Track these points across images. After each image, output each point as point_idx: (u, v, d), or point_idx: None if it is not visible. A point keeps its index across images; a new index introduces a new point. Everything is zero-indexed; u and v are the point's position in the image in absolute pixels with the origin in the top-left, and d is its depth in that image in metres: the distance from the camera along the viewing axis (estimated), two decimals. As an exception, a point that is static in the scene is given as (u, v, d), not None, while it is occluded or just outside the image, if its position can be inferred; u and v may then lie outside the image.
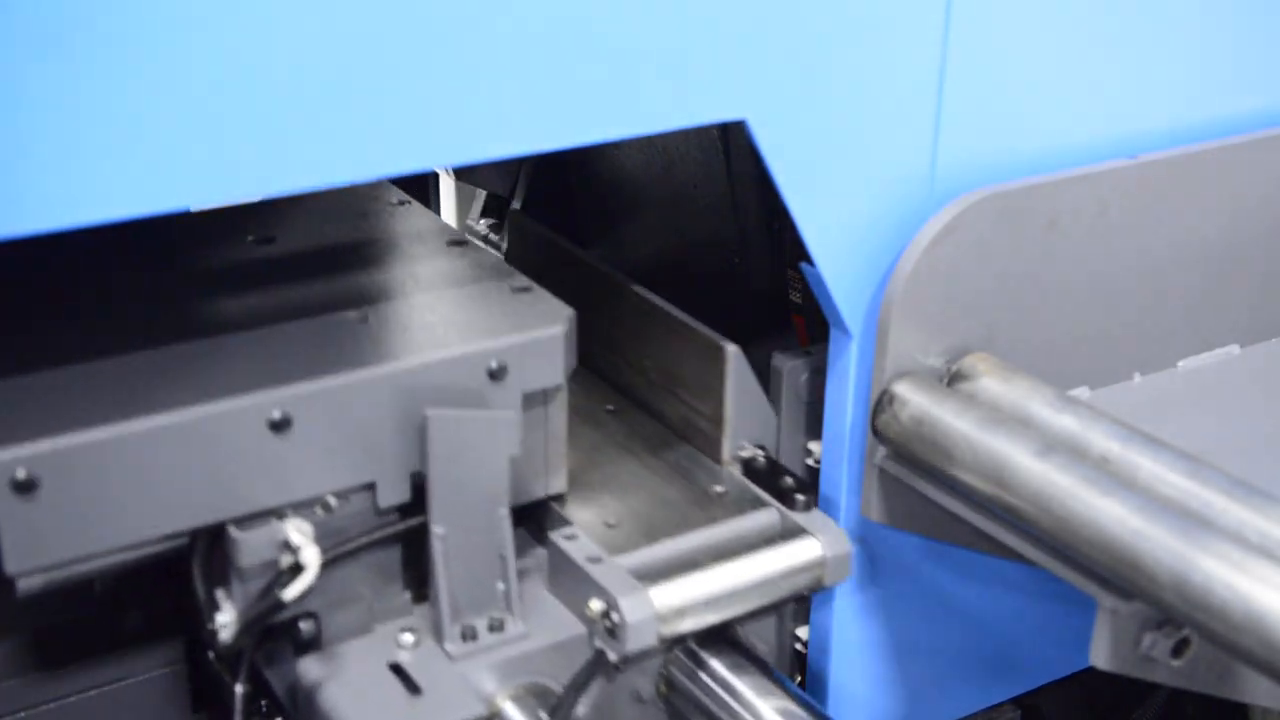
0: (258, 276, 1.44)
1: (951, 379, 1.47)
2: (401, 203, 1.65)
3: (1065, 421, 1.38)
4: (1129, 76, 1.58)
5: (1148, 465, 1.32)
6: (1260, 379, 1.67)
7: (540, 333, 1.34)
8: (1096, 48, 1.54)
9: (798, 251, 1.46)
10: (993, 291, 1.47)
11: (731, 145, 1.71)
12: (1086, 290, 1.55)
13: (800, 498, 1.48)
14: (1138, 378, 1.63)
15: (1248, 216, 1.66)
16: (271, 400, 1.21)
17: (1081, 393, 1.58)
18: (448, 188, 2.70)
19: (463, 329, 1.34)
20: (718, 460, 1.56)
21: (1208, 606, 1.14)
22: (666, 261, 1.95)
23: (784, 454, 1.58)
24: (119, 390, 1.21)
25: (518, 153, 1.25)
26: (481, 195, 2.28)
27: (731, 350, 1.51)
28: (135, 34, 1.02)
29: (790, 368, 1.56)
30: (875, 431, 1.46)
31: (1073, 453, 1.32)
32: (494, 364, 1.31)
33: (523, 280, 1.44)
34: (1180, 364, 1.66)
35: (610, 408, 1.70)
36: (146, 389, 1.21)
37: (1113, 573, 1.23)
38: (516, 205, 2.15)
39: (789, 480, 1.49)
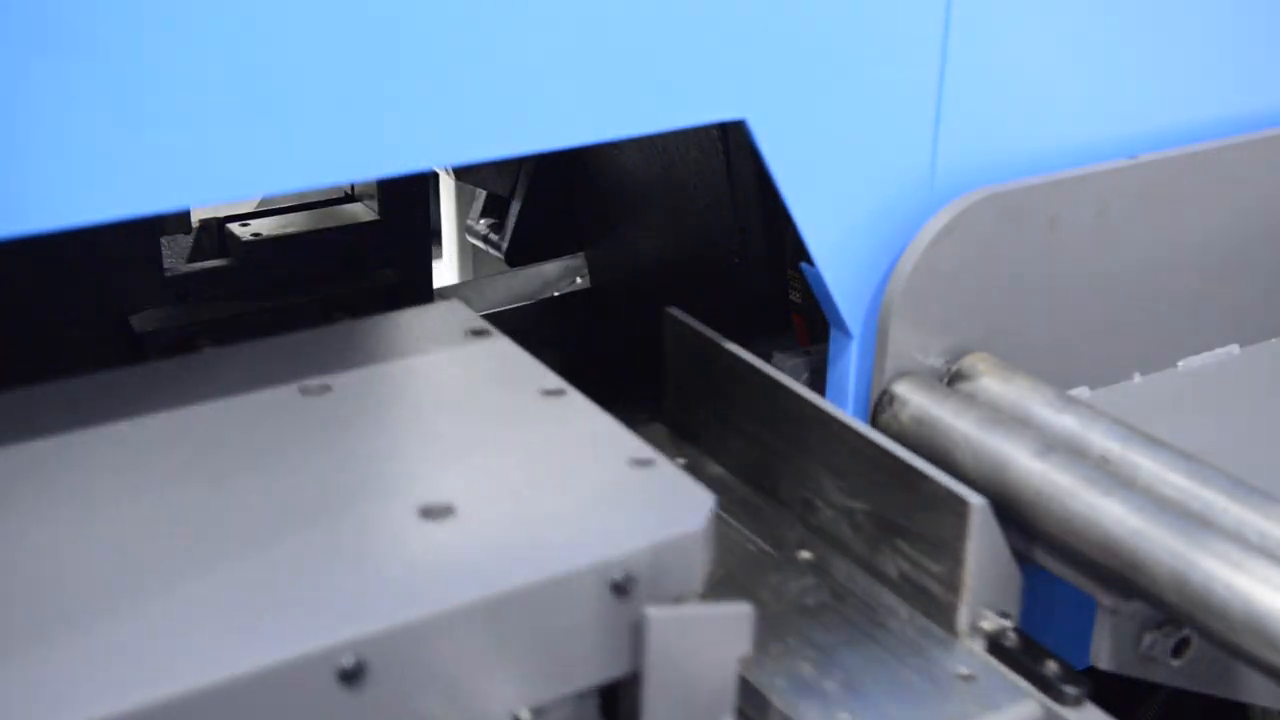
0: (306, 449, 1.16)
1: (951, 379, 1.47)
2: (479, 333, 1.34)
3: (1065, 421, 1.38)
4: (1129, 76, 1.58)
5: (1148, 465, 1.32)
6: (1260, 379, 1.67)
7: (675, 530, 1.06)
8: (1096, 48, 1.54)
9: (798, 251, 1.45)
10: (993, 291, 1.47)
11: (731, 145, 1.71)
12: (1086, 290, 1.55)
13: (1070, 690, 1.23)
14: (1138, 378, 1.63)
15: (1248, 216, 1.66)
16: (340, 644, 0.95)
17: (1081, 393, 1.58)
18: (448, 188, 2.70)
19: (575, 530, 1.07)
20: (952, 630, 1.31)
21: (1207, 606, 1.14)
22: (666, 261, 1.95)
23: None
24: (131, 644, 0.94)
25: (518, 153, 1.25)
26: (482, 195, 2.28)
27: (977, 504, 1.27)
28: (133, 32, 1.02)
29: (790, 367, 1.56)
30: (875, 431, 1.46)
31: (1073, 453, 1.32)
32: (618, 576, 1.04)
33: (643, 449, 1.17)
34: (1180, 364, 1.66)
35: (807, 555, 1.43)
36: (170, 641, 0.94)
37: (1113, 573, 1.23)
38: (516, 205, 2.15)
39: (1053, 665, 1.25)
